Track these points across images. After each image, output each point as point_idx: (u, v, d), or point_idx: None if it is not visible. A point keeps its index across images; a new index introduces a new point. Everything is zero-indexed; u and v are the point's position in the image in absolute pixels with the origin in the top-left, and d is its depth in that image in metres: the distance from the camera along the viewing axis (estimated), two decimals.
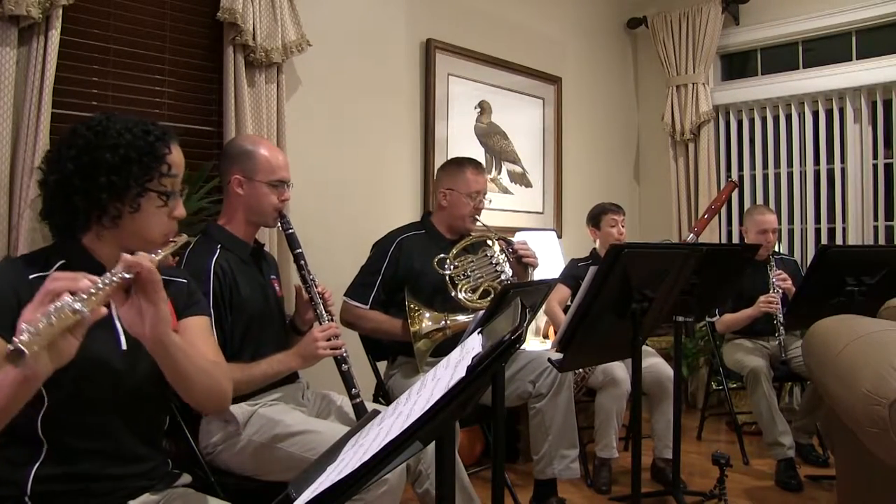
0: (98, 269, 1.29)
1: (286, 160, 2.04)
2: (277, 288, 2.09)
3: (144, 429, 1.36)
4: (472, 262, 2.47)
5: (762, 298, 3.22)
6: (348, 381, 1.88)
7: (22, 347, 0.90)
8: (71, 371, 1.21)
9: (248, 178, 1.96)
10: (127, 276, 1.09)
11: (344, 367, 1.88)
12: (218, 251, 1.89)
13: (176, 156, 1.35)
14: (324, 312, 1.93)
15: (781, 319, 3.17)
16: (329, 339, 1.86)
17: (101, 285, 1.03)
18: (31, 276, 1.26)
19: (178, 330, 1.40)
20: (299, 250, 1.97)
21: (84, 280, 1.02)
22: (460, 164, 2.66)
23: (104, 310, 1.03)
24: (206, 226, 2.05)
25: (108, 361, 1.28)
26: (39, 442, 1.23)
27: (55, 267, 1.30)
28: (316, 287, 1.95)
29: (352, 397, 1.88)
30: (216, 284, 1.83)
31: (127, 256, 1.11)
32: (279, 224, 2.01)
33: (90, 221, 1.30)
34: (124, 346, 1.31)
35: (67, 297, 0.97)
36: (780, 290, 3.25)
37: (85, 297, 0.99)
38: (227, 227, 1.99)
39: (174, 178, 1.34)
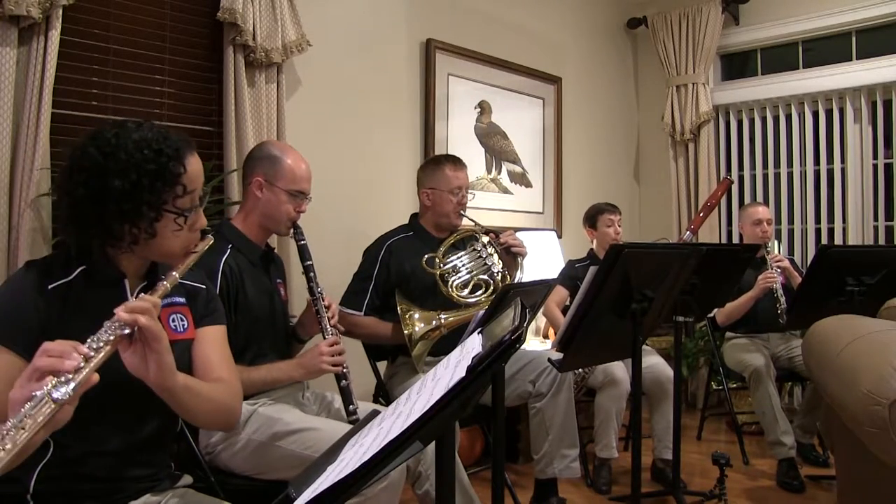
0: (118, 279, 1.30)
1: (310, 173, 2.04)
2: (283, 292, 2.09)
3: (153, 433, 1.36)
4: (461, 257, 2.47)
5: (761, 276, 3.22)
6: (347, 397, 1.88)
7: None
8: None
9: (270, 182, 1.97)
10: (125, 332, 1.08)
11: (343, 382, 1.88)
12: (228, 251, 1.90)
13: (193, 170, 1.30)
14: (328, 326, 1.93)
15: (782, 301, 3.16)
16: (333, 356, 1.87)
17: (91, 353, 1.01)
18: (50, 287, 1.25)
19: (195, 339, 1.40)
20: (309, 262, 1.97)
21: (71, 357, 0.99)
22: (438, 161, 2.65)
23: (96, 377, 1.01)
24: (220, 223, 2.06)
25: (116, 368, 1.27)
26: (46, 443, 1.22)
27: (75, 273, 1.28)
28: (323, 300, 1.95)
29: (348, 413, 1.88)
30: (223, 284, 1.84)
31: (121, 314, 1.08)
32: (291, 234, 2.01)
33: (106, 243, 1.28)
34: None
35: (47, 387, 0.95)
36: (779, 270, 3.25)
37: (71, 375, 0.97)
38: (240, 227, 1.99)
39: (192, 194, 1.30)
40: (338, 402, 2.07)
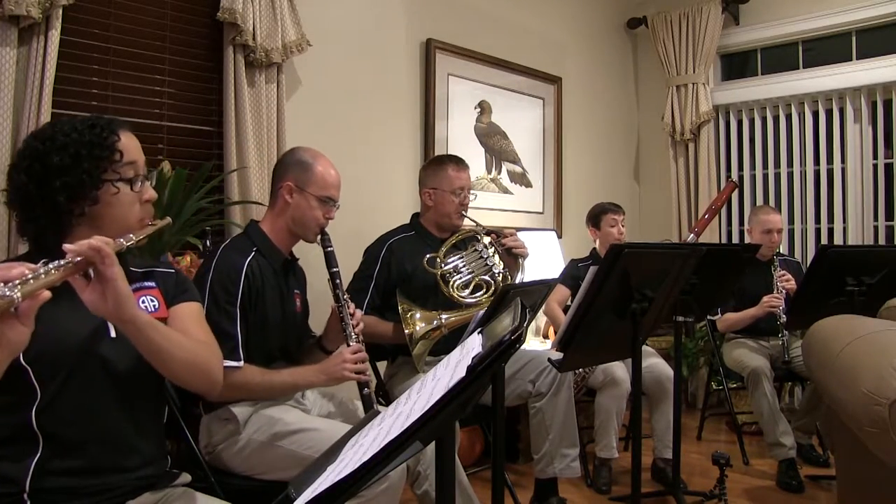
0: None
1: (339, 180, 2.06)
2: (298, 303, 2.08)
3: (139, 418, 1.36)
4: (463, 257, 2.47)
5: (766, 298, 3.23)
6: (368, 405, 1.88)
7: None
8: (61, 362, 1.22)
9: (300, 188, 1.98)
10: (76, 259, 1.09)
11: (365, 390, 1.88)
12: (253, 253, 1.91)
13: (127, 142, 1.35)
14: (352, 334, 1.92)
15: (784, 320, 3.17)
16: (356, 363, 1.87)
17: (41, 271, 1.03)
18: None
19: (169, 317, 1.41)
20: (335, 269, 1.97)
21: (19, 268, 1.02)
22: (441, 162, 2.65)
23: (47, 293, 1.02)
24: (248, 224, 2.08)
25: (98, 350, 1.29)
26: (35, 437, 1.23)
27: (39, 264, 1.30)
28: (348, 308, 1.95)
29: None
30: (245, 286, 1.84)
31: (67, 245, 1.11)
32: (319, 240, 2.01)
33: (61, 225, 1.31)
34: (113, 334, 1.31)
35: None
36: (784, 290, 3.25)
37: (18, 283, 0.99)
38: (267, 231, 2.00)
39: (132, 164, 1.34)
40: (339, 400, 2.08)
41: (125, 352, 1.30)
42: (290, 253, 2.07)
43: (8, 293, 0.96)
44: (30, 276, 1.01)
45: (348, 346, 1.90)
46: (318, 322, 2.19)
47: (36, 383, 1.22)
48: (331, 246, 2.00)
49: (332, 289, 1.96)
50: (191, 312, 1.45)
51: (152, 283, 1.43)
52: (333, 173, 2.04)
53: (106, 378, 1.29)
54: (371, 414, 1.12)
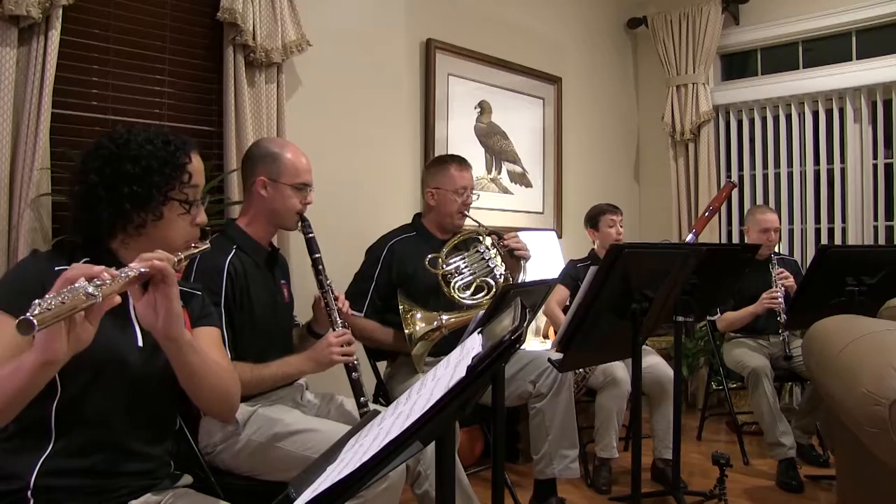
0: None
1: (310, 163, 2.05)
2: (286, 293, 2.08)
3: (152, 427, 1.37)
4: (464, 258, 2.47)
5: (765, 294, 3.23)
6: (357, 390, 1.88)
7: (31, 318, 0.92)
8: (85, 362, 1.23)
9: (273, 180, 1.97)
10: (143, 270, 1.13)
11: (354, 374, 1.89)
12: (233, 251, 1.91)
13: (196, 164, 1.40)
14: (338, 319, 1.93)
15: (783, 316, 3.17)
16: (342, 346, 1.87)
17: (117, 275, 1.07)
18: (56, 268, 1.28)
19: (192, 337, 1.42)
20: (317, 255, 1.98)
21: (96, 266, 1.06)
22: (444, 161, 2.66)
23: (118, 298, 1.06)
24: (225, 223, 2.07)
25: (123, 356, 1.30)
26: (48, 433, 1.24)
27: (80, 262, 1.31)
28: (332, 293, 1.95)
29: (360, 405, 1.89)
30: (228, 284, 1.84)
31: (144, 254, 1.16)
32: (299, 227, 2.02)
33: (115, 229, 1.34)
34: (140, 343, 1.33)
35: (83, 282, 1.01)
36: (783, 287, 3.26)
37: (99, 283, 1.02)
38: (245, 229, 1.99)
39: (195, 188, 1.39)
40: (339, 400, 2.08)
41: (149, 363, 1.32)
42: (270, 244, 2.06)
43: (92, 292, 1.00)
44: (108, 278, 1.05)
45: (333, 330, 1.91)
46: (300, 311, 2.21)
47: (58, 379, 1.23)
48: (311, 232, 2.00)
49: (315, 275, 1.97)
50: (211, 336, 1.47)
51: (181, 302, 1.44)
52: (304, 160, 2.03)
53: (126, 386, 1.31)
54: (371, 414, 1.12)
